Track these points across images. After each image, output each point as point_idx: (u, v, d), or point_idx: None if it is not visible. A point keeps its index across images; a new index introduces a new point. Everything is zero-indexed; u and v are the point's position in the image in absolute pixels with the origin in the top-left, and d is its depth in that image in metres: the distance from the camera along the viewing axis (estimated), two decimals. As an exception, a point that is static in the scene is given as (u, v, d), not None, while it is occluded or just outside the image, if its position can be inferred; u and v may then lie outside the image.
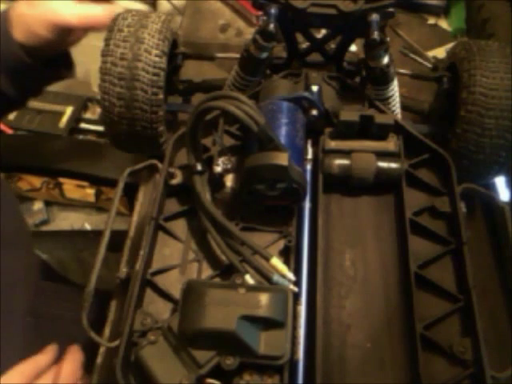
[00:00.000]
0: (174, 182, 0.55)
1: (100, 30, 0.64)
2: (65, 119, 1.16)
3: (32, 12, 0.63)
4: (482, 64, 0.60)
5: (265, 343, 0.42)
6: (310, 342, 0.46)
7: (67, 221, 1.13)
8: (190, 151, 0.52)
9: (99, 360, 0.55)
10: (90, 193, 1.07)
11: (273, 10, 0.59)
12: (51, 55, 0.68)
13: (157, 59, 0.59)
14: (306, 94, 0.57)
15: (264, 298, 0.42)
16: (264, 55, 0.61)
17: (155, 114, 0.61)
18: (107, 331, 0.57)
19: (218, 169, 0.54)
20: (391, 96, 0.63)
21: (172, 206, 0.55)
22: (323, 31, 0.71)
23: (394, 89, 0.64)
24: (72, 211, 1.14)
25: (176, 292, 0.47)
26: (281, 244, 0.52)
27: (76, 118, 1.16)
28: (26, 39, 0.63)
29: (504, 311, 0.59)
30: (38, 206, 1.15)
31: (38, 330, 0.69)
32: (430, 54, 0.91)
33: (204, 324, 0.41)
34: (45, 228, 1.15)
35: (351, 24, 0.61)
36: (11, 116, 1.16)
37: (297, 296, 0.47)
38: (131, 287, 0.48)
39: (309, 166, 0.57)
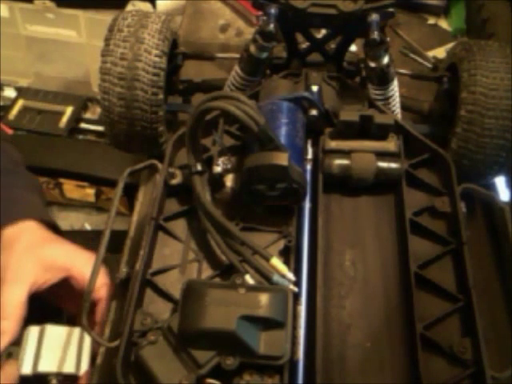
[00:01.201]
0: (174, 182, 0.55)
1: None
2: (65, 119, 1.15)
3: None
4: (482, 64, 0.60)
5: (265, 343, 0.42)
6: (309, 342, 0.46)
7: (67, 221, 1.13)
8: (190, 151, 0.52)
9: (99, 360, 0.55)
10: (90, 193, 1.07)
11: (273, 10, 0.59)
12: None
13: (157, 59, 0.59)
14: (306, 94, 0.57)
15: (264, 298, 0.42)
16: (264, 55, 0.61)
17: (155, 114, 0.61)
18: (107, 331, 0.57)
19: (218, 169, 0.54)
20: (391, 96, 0.63)
21: (172, 205, 0.55)
22: (323, 31, 0.71)
23: (394, 89, 0.64)
24: (72, 211, 1.14)
25: (176, 292, 0.47)
26: (281, 244, 0.52)
27: (76, 118, 1.16)
28: None
29: (504, 311, 0.59)
30: (38, 206, 1.15)
31: None
32: (430, 53, 0.91)
33: (204, 324, 0.41)
34: (45, 228, 1.15)
35: (351, 24, 0.61)
36: (11, 116, 1.16)
37: (297, 296, 0.47)
38: (131, 287, 0.48)
39: (309, 166, 0.57)
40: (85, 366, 0.53)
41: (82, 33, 1.19)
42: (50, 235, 0.59)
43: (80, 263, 0.56)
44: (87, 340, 0.54)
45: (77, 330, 0.54)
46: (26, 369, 0.50)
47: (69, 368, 0.52)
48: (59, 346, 0.52)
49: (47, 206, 0.70)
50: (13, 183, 0.62)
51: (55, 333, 0.53)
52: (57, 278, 0.56)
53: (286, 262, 0.50)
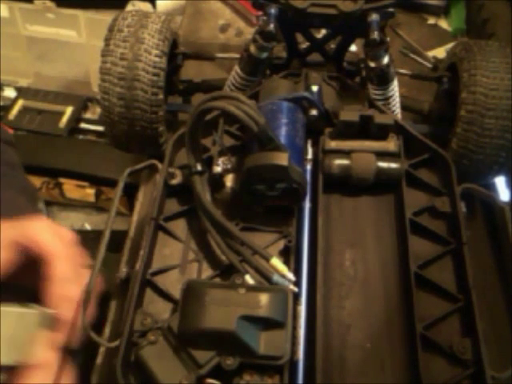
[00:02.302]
0: (174, 182, 0.55)
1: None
2: (65, 119, 1.16)
3: None
4: (483, 64, 0.60)
5: (265, 343, 0.42)
6: (309, 342, 0.46)
7: (67, 221, 1.13)
8: (190, 151, 0.52)
9: (99, 360, 0.55)
10: (90, 193, 1.07)
11: (273, 10, 0.59)
12: None
13: (157, 59, 0.60)
14: (306, 94, 0.57)
15: (264, 298, 0.42)
16: (264, 55, 0.61)
17: (155, 114, 0.61)
18: (107, 331, 0.57)
19: (218, 169, 0.54)
20: (391, 96, 0.63)
21: (172, 205, 0.55)
22: (323, 31, 0.71)
23: (394, 89, 0.64)
24: (72, 211, 1.14)
25: (176, 292, 0.47)
26: (281, 244, 0.52)
27: (76, 118, 1.16)
28: None
29: (504, 311, 0.59)
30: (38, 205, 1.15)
31: None
32: (430, 54, 0.91)
33: (204, 324, 0.41)
34: (45, 228, 1.15)
35: (351, 24, 0.61)
36: (11, 116, 1.16)
37: (297, 296, 0.47)
38: (131, 287, 0.48)
39: (309, 166, 0.57)
40: (37, 354, 0.41)
41: (82, 33, 1.19)
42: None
43: (32, 228, 0.48)
44: (42, 324, 0.42)
45: (32, 313, 0.43)
46: None
47: (14, 357, 0.41)
48: (9, 332, 0.42)
49: (40, 209, 0.68)
50: (5, 186, 0.61)
51: (7, 314, 0.42)
52: (17, 254, 0.46)
53: (286, 262, 0.50)
